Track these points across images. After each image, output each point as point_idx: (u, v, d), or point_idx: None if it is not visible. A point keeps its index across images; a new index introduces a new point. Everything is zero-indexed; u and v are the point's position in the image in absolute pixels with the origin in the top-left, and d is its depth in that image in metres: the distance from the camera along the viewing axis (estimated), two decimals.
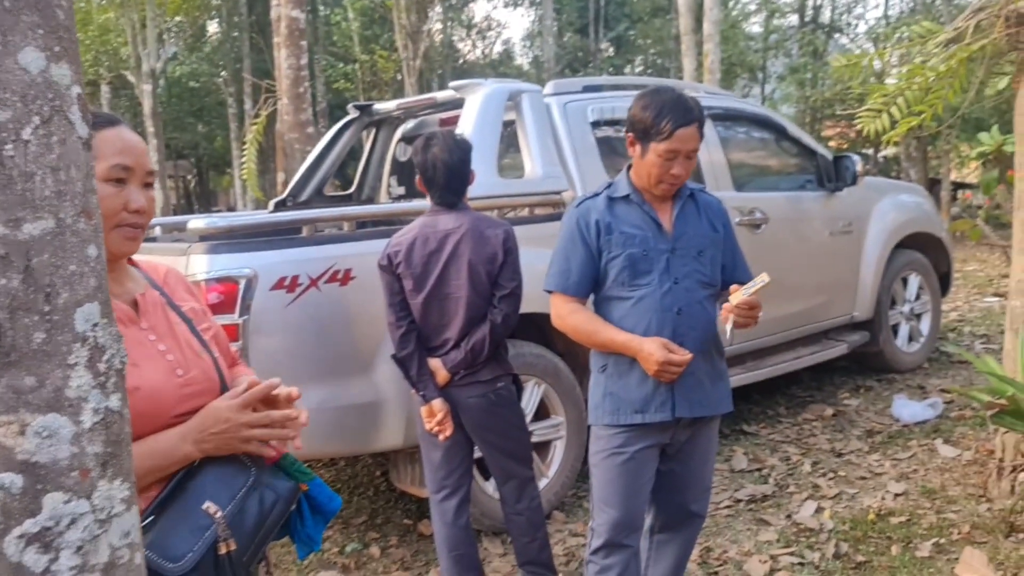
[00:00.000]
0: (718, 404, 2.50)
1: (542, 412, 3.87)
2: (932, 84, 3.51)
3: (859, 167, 5.19)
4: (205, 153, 31.49)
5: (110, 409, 1.03)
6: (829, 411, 5.15)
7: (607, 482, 2.46)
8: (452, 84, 4.22)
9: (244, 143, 7.99)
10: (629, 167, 2.49)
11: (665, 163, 2.34)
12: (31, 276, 0.96)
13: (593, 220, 2.43)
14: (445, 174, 2.87)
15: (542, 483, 3.82)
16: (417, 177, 2.96)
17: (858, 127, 3.92)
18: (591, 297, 2.52)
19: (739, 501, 3.94)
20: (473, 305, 2.84)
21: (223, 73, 21.69)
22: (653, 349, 2.30)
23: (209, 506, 1.38)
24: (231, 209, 25.02)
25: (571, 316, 2.48)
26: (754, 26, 23.39)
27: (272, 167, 17.29)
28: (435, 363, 2.89)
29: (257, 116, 7.72)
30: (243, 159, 7.72)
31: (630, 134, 2.41)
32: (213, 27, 25.27)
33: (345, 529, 3.91)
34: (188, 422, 1.42)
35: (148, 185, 1.45)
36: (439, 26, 25.94)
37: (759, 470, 4.32)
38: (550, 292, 2.52)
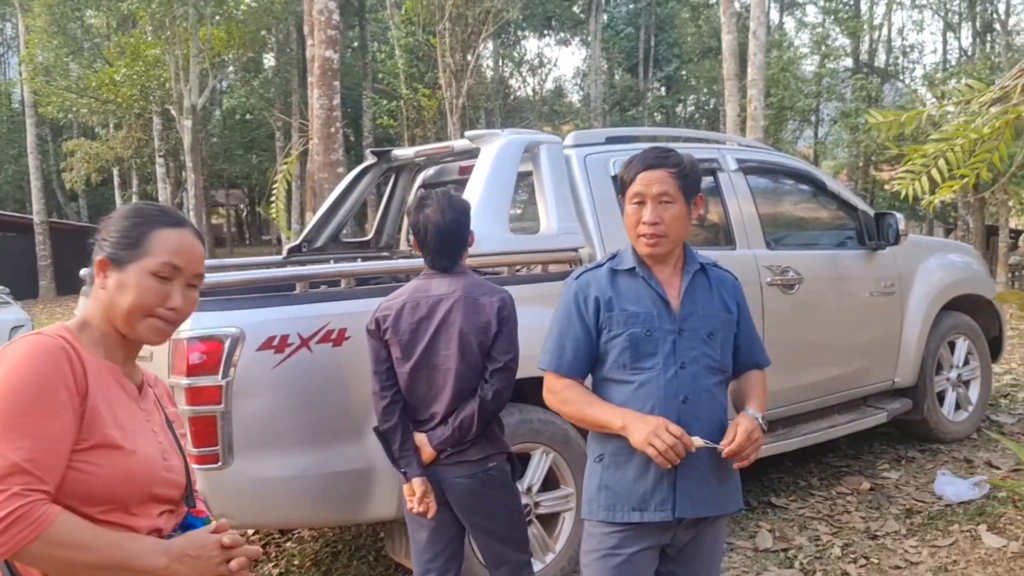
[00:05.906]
0: (725, 503, 2.26)
1: (550, 482, 3.64)
2: (976, 146, 3.24)
3: (902, 225, 4.92)
4: (257, 183, 32.03)
5: None
6: (866, 484, 4.82)
7: None
8: (468, 134, 4.07)
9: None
10: None
11: (635, 209, 2.19)
12: None
13: (592, 296, 2.24)
14: (437, 237, 2.70)
15: (548, 558, 3.59)
16: (411, 239, 2.79)
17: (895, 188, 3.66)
18: (589, 377, 2.31)
19: None
20: (462, 378, 2.64)
21: (272, 107, 22.03)
22: (652, 419, 2.08)
23: None
24: (279, 240, 25.30)
25: (562, 391, 2.28)
26: (809, 66, 23.04)
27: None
28: (421, 438, 2.70)
29: (288, 156, 7.69)
30: (272, 197, 7.69)
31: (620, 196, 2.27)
32: (270, 60, 25.73)
33: None
34: (175, 540, 1.47)
35: (193, 286, 1.57)
36: (490, 63, 26.11)
37: (785, 551, 4.01)
38: (543, 370, 2.32)
